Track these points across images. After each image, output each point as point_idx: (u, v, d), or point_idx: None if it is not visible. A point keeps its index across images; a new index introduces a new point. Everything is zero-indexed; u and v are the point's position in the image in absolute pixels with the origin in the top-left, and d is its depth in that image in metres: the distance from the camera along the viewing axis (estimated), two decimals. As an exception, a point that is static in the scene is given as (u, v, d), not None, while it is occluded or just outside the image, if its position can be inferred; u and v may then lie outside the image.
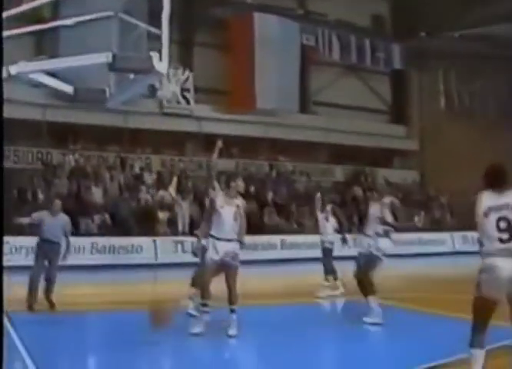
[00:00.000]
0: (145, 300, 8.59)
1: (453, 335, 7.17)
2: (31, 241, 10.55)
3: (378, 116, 31.16)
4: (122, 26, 5.00)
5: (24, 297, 9.71)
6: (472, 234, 22.99)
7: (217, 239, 7.94)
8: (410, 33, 28.02)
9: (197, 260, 9.20)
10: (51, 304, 9.93)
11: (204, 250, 8.60)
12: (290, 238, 21.33)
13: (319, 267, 12.18)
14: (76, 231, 16.74)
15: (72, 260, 11.47)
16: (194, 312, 8.60)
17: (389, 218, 8.77)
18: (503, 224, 4.98)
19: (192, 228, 17.01)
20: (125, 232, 18.97)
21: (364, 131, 28.55)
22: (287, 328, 8.48)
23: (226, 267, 7.94)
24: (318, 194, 12.73)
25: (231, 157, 24.21)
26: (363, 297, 8.87)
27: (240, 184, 8.27)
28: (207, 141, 22.84)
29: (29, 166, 21.19)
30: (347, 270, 9.12)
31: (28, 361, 6.43)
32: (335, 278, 11.86)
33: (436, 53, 27.79)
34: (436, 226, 26.65)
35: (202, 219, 9.87)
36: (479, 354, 5.06)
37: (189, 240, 15.73)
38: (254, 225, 17.18)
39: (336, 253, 12.18)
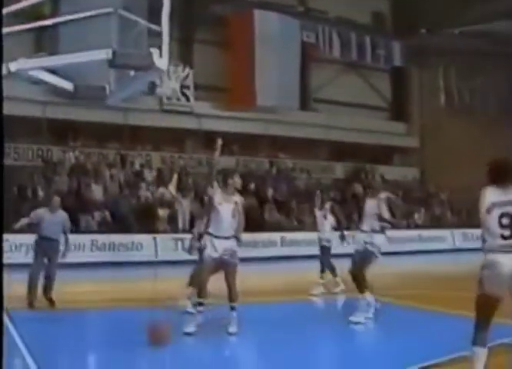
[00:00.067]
0: (145, 298, 8.59)
1: (453, 332, 7.19)
2: (31, 239, 10.51)
3: (378, 113, 31.17)
4: (122, 23, 4.98)
5: (24, 295, 9.70)
6: (472, 231, 23.05)
7: (216, 237, 7.89)
8: (411, 30, 28.00)
9: (197, 258, 9.18)
10: (51, 302, 9.88)
11: (200, 247, 8.58)
12: (290, 235, 21.33)
13: (319, 265, 12.17)
14: (76, 228, 16.75)
15: (72, 257, 11.46)
16: (192, 310, 8.57)
17: (386, 214, 8.74)
18: (505, 221, 4.93)
19: (192, 226, 17.00)
20: (125, 229, 18.96)
21: (365, 128, 28.55)
22: (287, 325, 8.47)
23: (225, 265, 7.91)
24: (318, 192, 12.71)
25: (231, 155, 24.20)
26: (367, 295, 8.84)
27: (237, 180, 8.20)
28: (207, 138, 22.86)
29: (29, 163, 21.19)
30: (346, 268, 9.09)
31: (28, 359, 6.42)
32: (334, 276, 11.86)
33: (436, 50, 27.78)
34: (436, 223, 26.67)
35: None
36: (481, 352, 5.02)
37: (189, 237, 15.71)
38: (254, 222, 17.20)
39: (335, 250, 12.16)
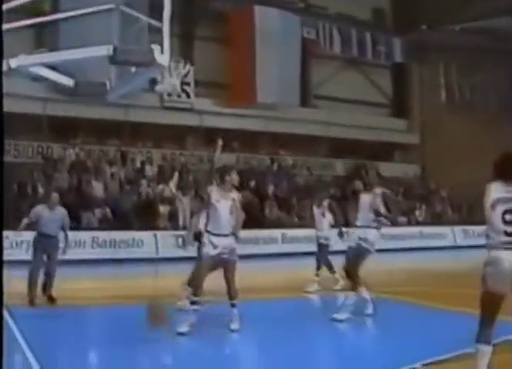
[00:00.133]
0: (146, 295, 8.58)
1: (454, 329, 7.19)
2: (31, 236, 10.49)
3: (379, 110, 31.12)
4: (123, 19, 4.97)
5: (24, 292, 9.68)
6: (473, 228, 23.05)
7: (214, 234, 7.82)
8: (411, 26, 27.98)
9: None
10: (51, 300, 9.84)
11: (198, 246, 8.53)
12: (290, 232, 21.31)
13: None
14: (77, 225, 16.74)
15: (73, 254, 11.45)
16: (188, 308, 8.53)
17: (382, 210, 8.71)
18: (509, 217, 4.87)
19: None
20: (126, 226, 18.96)
21: (365, 124, 28.54)
22: (288, 322, 8.48)
23: (224, 263, 7.84)
24: (318, 190, 12.65)
25: (231, 151, 24.17)
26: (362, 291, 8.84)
27: (234, 177, 8.09)
28: (207, 135, 22.86)
29: (29, 160, 21.16)
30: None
31: (29, 355, 6.42)
32: (332, 273, 11.81)
33: (437, 46, 27.74)
34: (437, 220, 26.66)
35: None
36: (485, 350, 4.96)
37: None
38: (255, 219, 17.20)
39: (335, 247, 12.13)
